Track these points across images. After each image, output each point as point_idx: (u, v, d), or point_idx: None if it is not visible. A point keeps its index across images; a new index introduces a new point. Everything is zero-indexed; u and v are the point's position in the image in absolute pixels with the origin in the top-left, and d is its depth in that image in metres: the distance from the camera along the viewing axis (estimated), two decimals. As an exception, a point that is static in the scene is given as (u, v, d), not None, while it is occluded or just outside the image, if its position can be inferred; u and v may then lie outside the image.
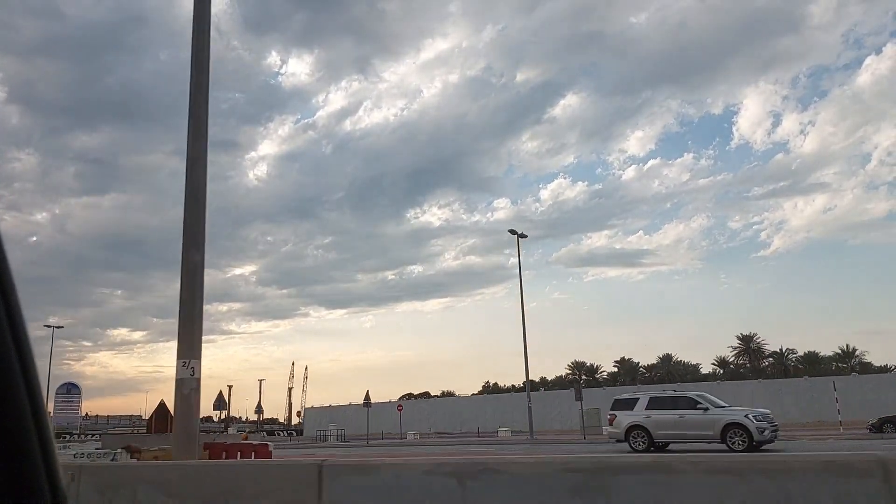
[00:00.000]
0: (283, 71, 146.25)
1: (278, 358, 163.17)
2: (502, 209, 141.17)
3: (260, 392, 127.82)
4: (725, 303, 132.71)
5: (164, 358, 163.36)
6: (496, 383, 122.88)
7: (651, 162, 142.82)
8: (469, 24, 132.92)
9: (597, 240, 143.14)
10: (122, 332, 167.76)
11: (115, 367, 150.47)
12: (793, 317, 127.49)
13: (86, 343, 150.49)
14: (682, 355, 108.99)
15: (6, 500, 0.95)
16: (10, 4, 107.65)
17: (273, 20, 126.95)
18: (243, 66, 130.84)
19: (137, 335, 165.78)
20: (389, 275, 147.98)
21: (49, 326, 49.20)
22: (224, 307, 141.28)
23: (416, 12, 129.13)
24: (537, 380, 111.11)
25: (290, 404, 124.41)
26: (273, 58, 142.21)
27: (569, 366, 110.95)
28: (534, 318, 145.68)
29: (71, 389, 79.90)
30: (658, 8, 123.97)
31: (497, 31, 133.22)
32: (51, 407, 79.03)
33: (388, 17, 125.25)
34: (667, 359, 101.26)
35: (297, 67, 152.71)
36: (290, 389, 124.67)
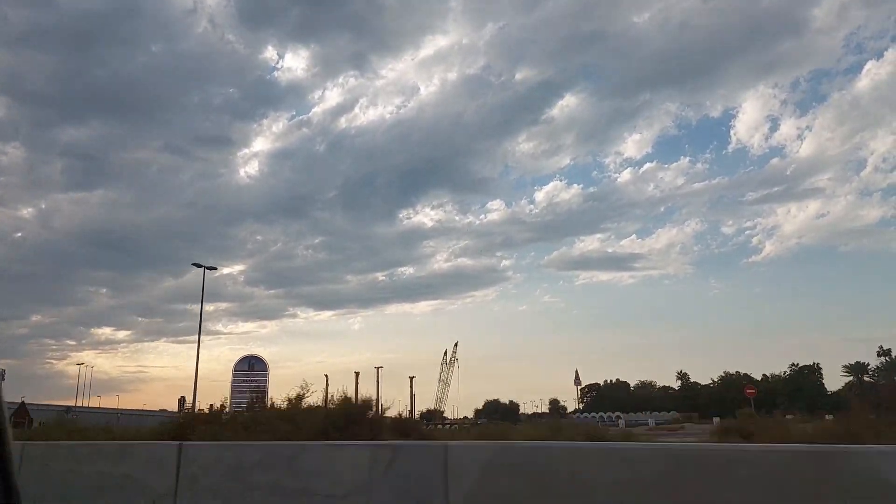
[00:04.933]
0: (279, 66, 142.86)
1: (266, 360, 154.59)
2: (496, 211, 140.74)
3: (411, 387, 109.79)
4: (715, 308, 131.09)
5: (149, 358, 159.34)
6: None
7: (647, 165, 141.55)
8: (469, 21, 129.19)
9: (589, 243, 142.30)
10: (106, 332, 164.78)
11: (99, 366, 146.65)
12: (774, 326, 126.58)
13: (69, 342, 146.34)
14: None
15: None
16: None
17: (269, 13, 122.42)
18: (237, 61, 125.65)
19: (122, 334, 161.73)
20: (379, 276, 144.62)
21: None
22: (211, 307, 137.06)
23: (415, 7, 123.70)
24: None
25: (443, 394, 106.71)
26: (269, 52, 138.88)
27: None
28: (527, 322, 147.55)
29: (254, 365, 66.36)
30: (661, 8, 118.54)
31: (497, 28, 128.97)
32: (224, 390, 66.23)
33: (386, 12, 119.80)
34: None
35: (293, 63, 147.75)
36: (441, 375, 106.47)
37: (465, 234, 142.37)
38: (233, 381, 62.19)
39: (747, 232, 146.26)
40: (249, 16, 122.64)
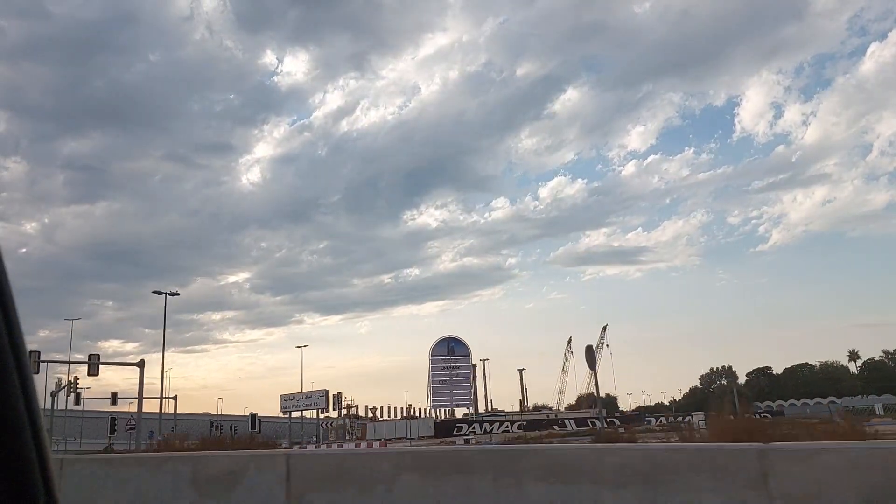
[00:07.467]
0: (278, 70, 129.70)
1: (272, 366, 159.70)
2: (500, 209, 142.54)
3: (521, 380, 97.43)
4: (722, 299, 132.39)
5: (158, 370, 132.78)
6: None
7: (651, 157, 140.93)
8: (469, 16, 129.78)
9: (595, 238, 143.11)
10: (113, 344, 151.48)
11: (108, 379, 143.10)
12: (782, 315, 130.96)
13: (78, 356, 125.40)
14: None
15: (2, 501, 0.96)
16: (-3, 2, 66.55)
17: (267, 17, 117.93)
18: (237, 66, 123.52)
19: (130, 347, 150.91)
20: (385, 278, 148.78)
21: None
22: (217, 316, 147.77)
23: (414, 5, 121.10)
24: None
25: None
26: (268, 57, 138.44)
27: None
28: (533, 319, 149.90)
29: (454, 348, 60.75)
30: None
31: (498, 23, 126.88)
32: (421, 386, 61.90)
33: (385, 11, 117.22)
34: None
35: (292, 66, 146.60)
36: (564, 365, 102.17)
37: (470, 233, 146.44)
38: (432, 370, 56.08)
39: (754, 221, 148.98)
40: (247, 20, 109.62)
